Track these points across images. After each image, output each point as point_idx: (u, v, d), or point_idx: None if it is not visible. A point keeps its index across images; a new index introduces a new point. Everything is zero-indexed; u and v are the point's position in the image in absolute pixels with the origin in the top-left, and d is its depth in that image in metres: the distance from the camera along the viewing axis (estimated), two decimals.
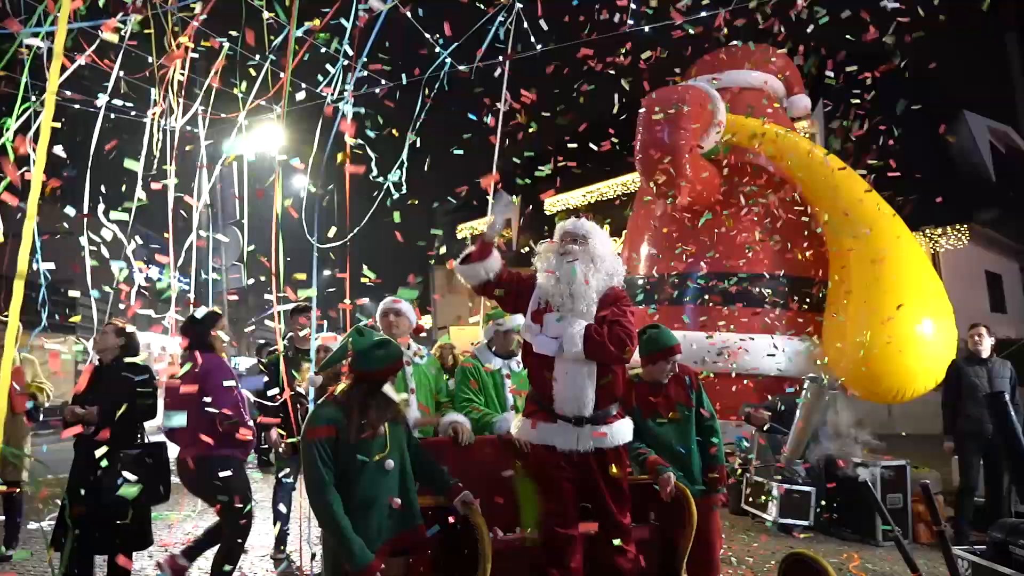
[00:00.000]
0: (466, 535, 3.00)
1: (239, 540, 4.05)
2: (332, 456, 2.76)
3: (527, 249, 3.69)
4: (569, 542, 3.08)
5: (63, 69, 3.33)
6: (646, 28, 5.57)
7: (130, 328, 4.27)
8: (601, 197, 20.16)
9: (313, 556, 4.73)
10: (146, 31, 4.16)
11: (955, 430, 5.92)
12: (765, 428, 6.63)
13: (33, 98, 3.43)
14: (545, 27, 5.19)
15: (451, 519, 3.06)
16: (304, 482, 2.85)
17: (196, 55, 4.65)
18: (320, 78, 4.87)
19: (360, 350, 2.90)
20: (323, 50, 5.51)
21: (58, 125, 2.81)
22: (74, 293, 4.91)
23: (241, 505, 3.96)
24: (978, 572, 4.22)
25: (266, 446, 5.72)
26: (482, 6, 5.03)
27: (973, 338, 5.99)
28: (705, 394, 3.92)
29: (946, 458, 6.54)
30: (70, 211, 4.13)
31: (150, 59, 4.31)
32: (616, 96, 6.10)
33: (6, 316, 2.46)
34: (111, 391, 4.01)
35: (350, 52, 4.36)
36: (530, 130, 5.45)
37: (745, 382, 7.41)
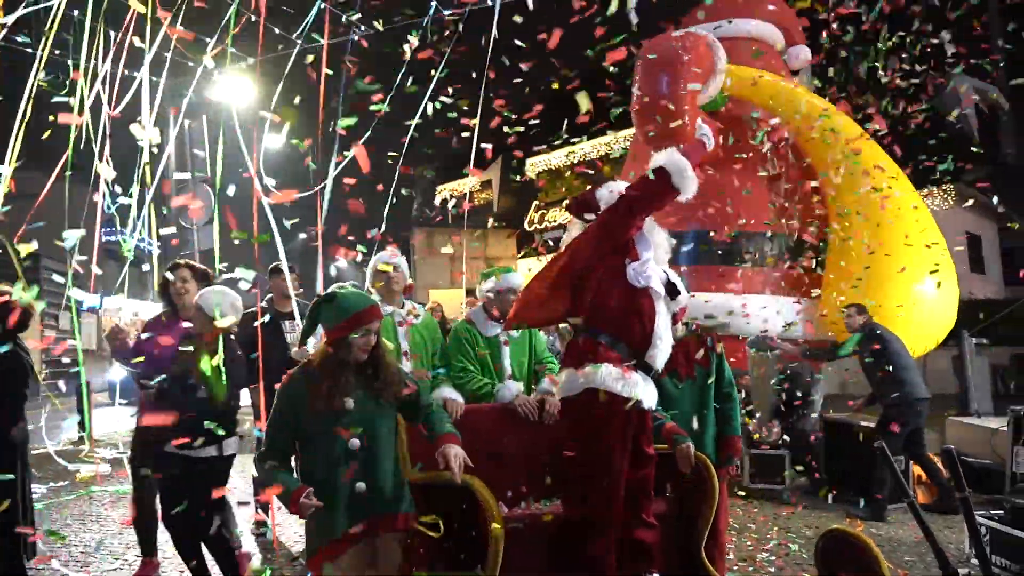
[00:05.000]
0: (472, 514, 2.69)
1: None
2: (291, 427, 2.53)
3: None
4: (616, 515, 2.77)
5: None
6: None
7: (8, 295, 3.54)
8: (584, 157, 19.77)
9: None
10: None
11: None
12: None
13: None
14: None
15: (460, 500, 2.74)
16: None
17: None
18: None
19: (321, 311, 2.60)
20: None
21: None
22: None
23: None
24: (997, 538, 4.07)
25: None
26: None
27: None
28: (726, 360, 3.66)
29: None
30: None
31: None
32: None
33: None
34: None
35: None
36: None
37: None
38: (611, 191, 3.00)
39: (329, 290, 2.67)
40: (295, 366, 2.68)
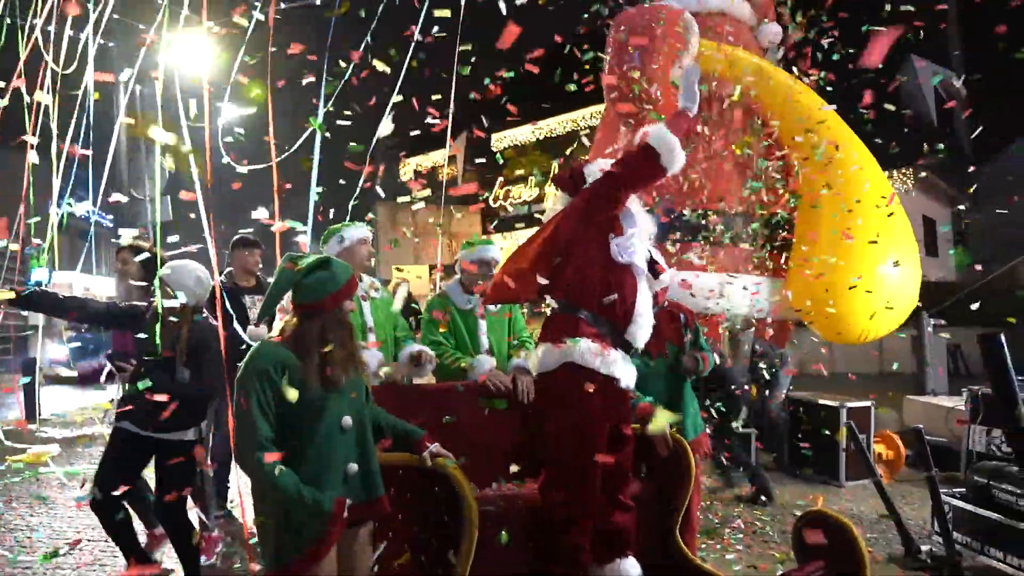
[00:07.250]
0: (444, 498, 2.58)
1: None
2: (274, 407, 2.21)
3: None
4: (593, 498, 2.68)
5: None
6: None
7: None
8: (550, 134, 19.60)
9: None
10: None
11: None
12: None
13: None
14: None
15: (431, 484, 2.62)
16: (235, 437, 2.27)
17: None
18: None
19: (303, 277, 2.34)
20: None
21: None
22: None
23: None
24: (960, 515, 4.13)
25: None
26: None
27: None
28: (702, 335, 3.60)
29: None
30: None
31: None
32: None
33: None
34: None
35: None
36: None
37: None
38: (599, 167, 2.91)
39: (320, 256, 2.45)
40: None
